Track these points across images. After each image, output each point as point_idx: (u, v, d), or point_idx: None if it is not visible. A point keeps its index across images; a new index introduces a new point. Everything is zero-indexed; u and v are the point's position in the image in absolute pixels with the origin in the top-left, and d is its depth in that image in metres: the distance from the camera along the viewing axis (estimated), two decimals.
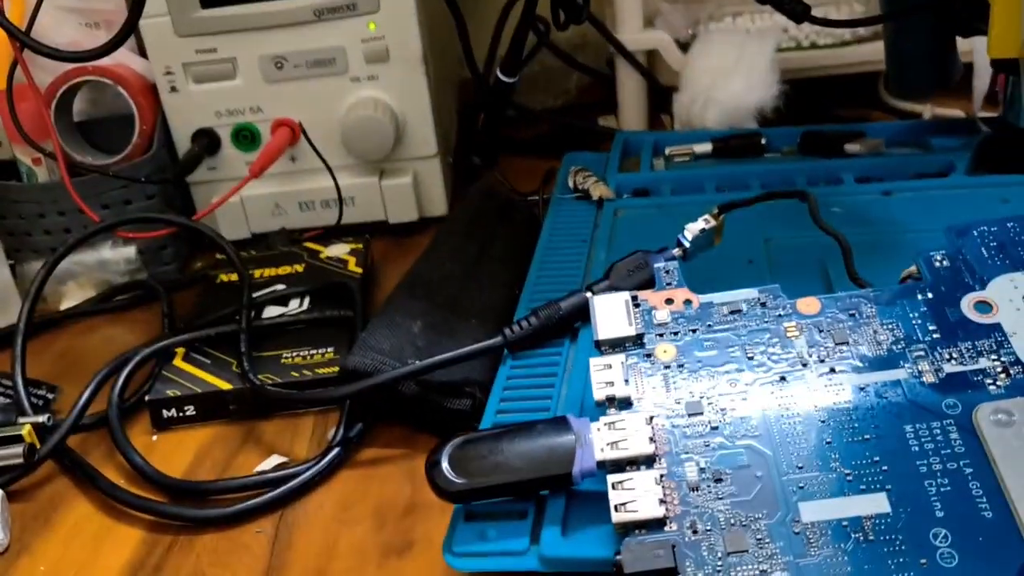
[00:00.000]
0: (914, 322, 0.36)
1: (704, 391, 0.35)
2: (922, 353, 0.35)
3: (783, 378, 0.35)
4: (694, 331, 0.37)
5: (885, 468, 0.31)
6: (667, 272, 0.40)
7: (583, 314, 0.43)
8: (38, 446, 0.46)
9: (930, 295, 0.36)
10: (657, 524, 0.31)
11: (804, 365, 0.35)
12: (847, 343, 0.36)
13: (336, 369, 0.48)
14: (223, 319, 0.54)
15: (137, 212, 0.61)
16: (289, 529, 0.41)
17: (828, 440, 0.33)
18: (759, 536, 0.31)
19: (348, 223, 0.65)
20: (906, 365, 0.34)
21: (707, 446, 0.33)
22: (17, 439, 0.45)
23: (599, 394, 0.35)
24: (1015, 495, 0.30)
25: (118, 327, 0.60)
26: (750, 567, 0.30)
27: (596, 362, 0.36)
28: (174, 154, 0.65)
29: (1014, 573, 0.28)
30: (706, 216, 0.44)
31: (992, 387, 0.33)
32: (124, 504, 0.43)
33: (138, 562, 0.40)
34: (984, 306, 0.36)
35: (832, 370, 0.35)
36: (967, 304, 0.36)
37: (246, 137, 0.64)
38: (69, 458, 0.46)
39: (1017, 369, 0.33)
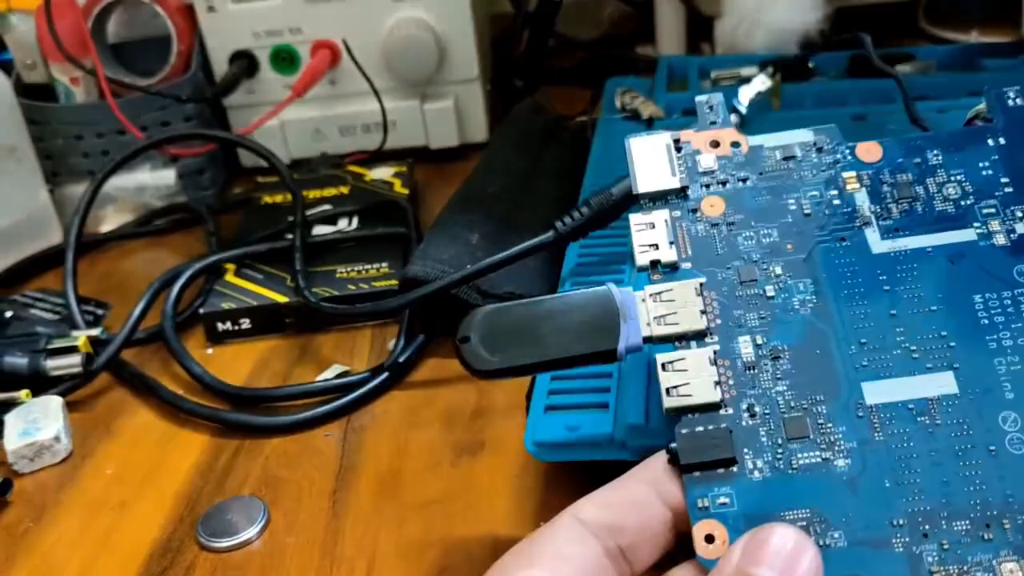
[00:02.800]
0: (984, 172, 0.32)
1: (757, 252, 0.31)
2: (993, 210, 0.31)
3: (843, 238, 0.32)
4: (744, 180, 0.33)
5: (953, 344, 0.29)
6: (710, 108, 0.34)
7: (636, 199, 0.41)
8: (93, 356, 0.45)
9: (1002, 140, 0.33)
10: (712, 407, 0.29)
11: (866, 223, 0.32)
12: (911, 197, 0.32)
13: (393, 282, 0.48)
14: (272, 237, 0.53)
15: (180, 130, 0.60)
16: (358, 433, 0.41)
17: (892, 312, 0.30)
18: (820, 421, 0.29)
19: (389, 148, 0.64)
20: (975, 224, 0.31)
21: (762, 318, 0.30)
22: (73, 350, 0.45)
23: (642, 259, 0.31)
24: None
25: (160, 250, 0.59)
26: (812, 455, 0.28)
27: (637, 220, 0.32)
28: (211, 76, 0.64)
29: None
30: (761, 76, 0.40)
31: None
32: (188, 412, 0.43)
33: (206, 464, 0.40)
34: None
35: (896, 230, 0.32)
36: None
37: (285, 59, 0.63)
38: (125, 369, 0.46)
39: None
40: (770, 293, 0.31)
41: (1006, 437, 0.28)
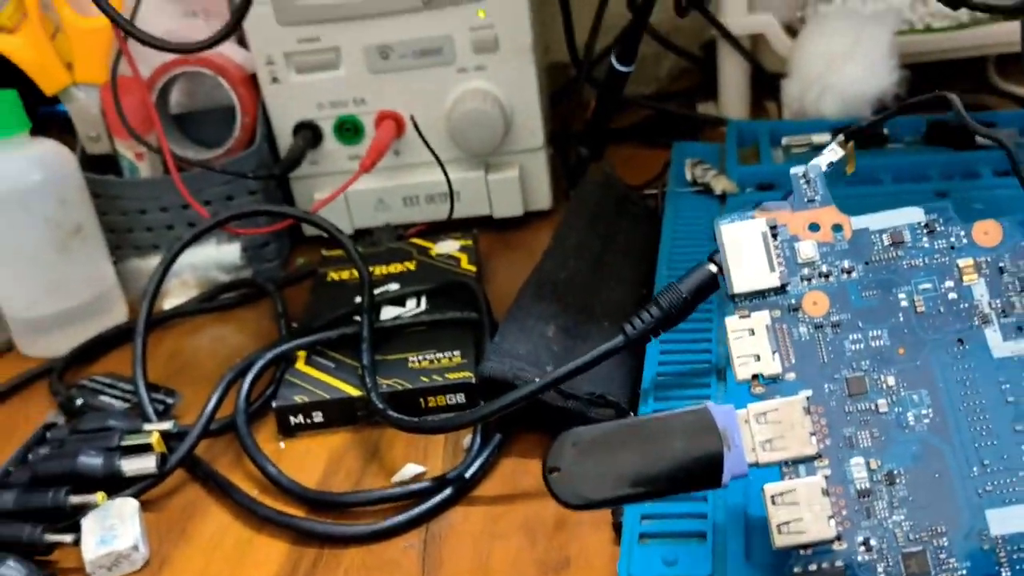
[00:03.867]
0: None
1: (866, 359, 0.29)
2: None
3: (960, 340, 0.29)
4: (848, 272, 0.30)
5: None
6: (807, 182, 0.31)
7: (710, 290, 0.37)
8: (167, 454, 0.45)
9: None
10: (827, 541, 0.27)
11: (986, 321, 0.29)
12: None
13: (467, 374, 0.47)
14: (340, 320, 0.52)
15: (246, 206, 0.60)
16: (438, 543, 0.40)
17: (1019, 428, 0.28)
18: (941, 555, 0.27)
19: (450, 219, 0.63)
20: None
21: (875, 437, 0.28)
22: (147, 448, 0.44)
23: (743, 372, 0.30)
24: None
25: (226, 326, 0.59)
26: None
27: (734, 326, 0.30)
28: (274, 147, 0.63)
29: None
30: (832, 147, 0.38)
31: None
32: (264, 519, 0.42)
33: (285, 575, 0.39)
34: None
35: (1020, 328, 0.29)
36: None
37: (349, 130, 0.62)
38: (199, 467, 0.45)
39: None
40: (883, 408, 0.28)
41: None
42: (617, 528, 0.37)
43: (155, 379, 0.52)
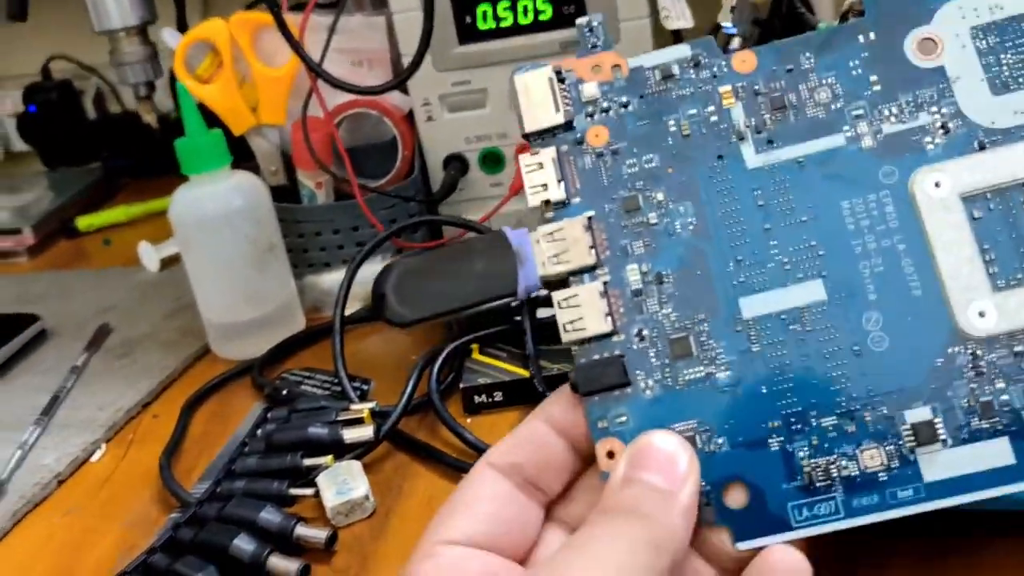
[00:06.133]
0: (854, 72, 0.32)
1: (639, 180, 0.33)
2: (861, 112, 0.32)
3: (720, 156, 0.32)
4: (625, 105, 0.33)
5: (822, 252, 0.31)
6: (590, 30, 0.34)
7: None
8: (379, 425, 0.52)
9: (872, 36, 0.32)
10: (604, 336, 0.32)
11: (741, 138, 0.32)
12: (784, 107, 0.32)
13: None
14: (504, 315, 0.60)
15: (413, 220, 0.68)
16: None
17: (767, 226, 0.32)
18: (703, 338, 0.31)
19: None
20: (845, 128, 0.32)
21: (647, 245, 0.32)
22: (360, 421, 0.52)
23: (533, 199, 0.33)
24: (943, 269, 0.30)
25: (391, 330, 0.67)
26: (696, 370, 0.31)
27: (526, 161, 0.34)
28: (427, 177, 0.72)
29: (937, 350, 0.29)
30: None
31: (930, 146, 0.31)
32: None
33: None
34: (929, 45, 0.32)
35: (770, 142, 0.32)
36: (911, 44, 0.32)
37: (491, 161, 0.71)
38: (401, 437, 0.53)
39: (957, 123, 0.31)
40: (653, 220, 0.32)
41: (868, 336, 0.30)
42: None
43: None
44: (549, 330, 0.58)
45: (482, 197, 0.72)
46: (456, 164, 0.71)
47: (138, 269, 0.82)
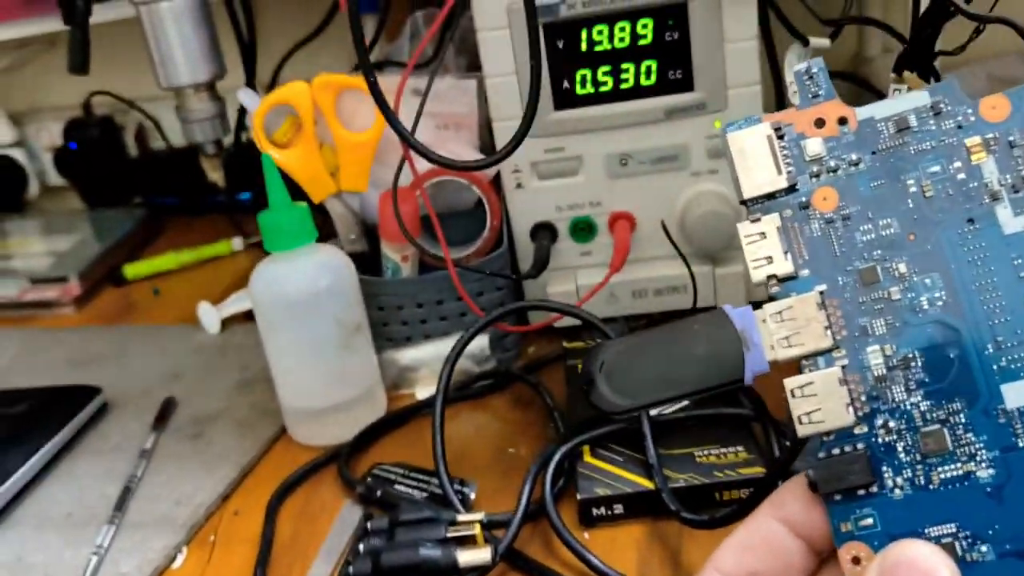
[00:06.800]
0: None
1: (876, 249, 0.29)
2: None
3: (970, 220, 0.29)
4: (856, 164, 0.30)
5: None
6: (810, 78, 0.30)
7: None
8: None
9: None
10: (847, 428, 0.28)
11: (995, 199, 0.28)
12: None
13: (758, 469, 0.50)
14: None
15: (493, 303, 0.65)
16: None
17: None
18: (959, 431, 0.28)
19: (676, 309, 0.67)
20: None
21: (889, 324, 0.29)
22: (473, 539, 0.48)
23: (757, 274, 0.30)
24: None
25: (482, 414, 0.63)
26: (952, 467, 0.27)
27: (746, 231, 0.30)
28: (512, 246, 0.68)
29: None
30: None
31: None
32: None
33: None
34: None
35: None
36: None
37: (583, 229, 0.67)
38: (518, 556, 0.49)
39: None
40: (895, 295, 0.29)
41: None
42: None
43: (430, 465, 0.57)
44: (666, 429, 0.55)
45: (570, 267, 0.68)
46: (546, 233, 0.67)
47: (196, 328, 0.78)
